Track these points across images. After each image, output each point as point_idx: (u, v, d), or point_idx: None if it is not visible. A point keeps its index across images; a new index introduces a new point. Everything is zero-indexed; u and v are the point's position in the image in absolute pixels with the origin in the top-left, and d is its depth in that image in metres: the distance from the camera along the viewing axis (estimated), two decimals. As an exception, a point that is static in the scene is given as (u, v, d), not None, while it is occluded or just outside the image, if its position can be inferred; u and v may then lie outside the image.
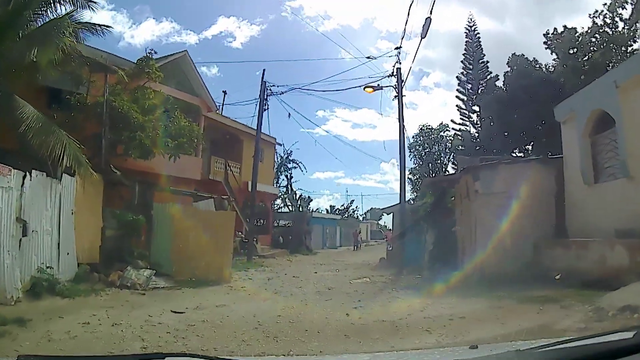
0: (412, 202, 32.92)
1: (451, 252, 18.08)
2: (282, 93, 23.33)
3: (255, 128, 24.20)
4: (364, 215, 71.98)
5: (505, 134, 28.17)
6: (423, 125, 27.90)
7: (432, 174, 23.08)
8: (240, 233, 24.16)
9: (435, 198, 18.26)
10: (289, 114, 26.29)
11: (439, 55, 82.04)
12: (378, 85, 21.78)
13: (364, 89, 21.67)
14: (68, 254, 11.59)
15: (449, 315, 8.45)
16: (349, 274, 17.74)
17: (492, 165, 15.65)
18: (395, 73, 21.73)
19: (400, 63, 20.35)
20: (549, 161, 16.18)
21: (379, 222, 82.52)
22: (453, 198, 19.53)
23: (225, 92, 35.09)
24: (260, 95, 23.02)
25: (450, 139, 24.50)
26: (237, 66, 78.20)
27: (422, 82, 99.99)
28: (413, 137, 26.03)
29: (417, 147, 25.14)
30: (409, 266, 19.29)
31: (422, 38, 15.83)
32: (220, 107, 32.36)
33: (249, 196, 26.06)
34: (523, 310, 8.82)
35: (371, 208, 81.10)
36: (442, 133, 25.20)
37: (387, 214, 28.63)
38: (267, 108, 23.20)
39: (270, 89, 23.22)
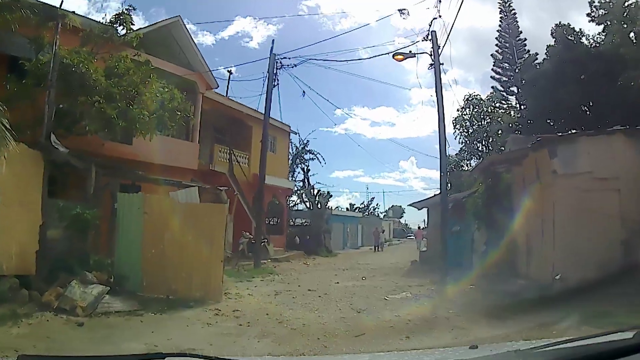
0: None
1: (510, 254, 14.16)
2: (295, 66, 19.53)
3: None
4: (385, 213, 68.14)
5: (550, 112, 24.03)
6: (470, 95, 23.38)
7: (481, 157, 18.70)
8: (247, 233, 20.52)
9: (488, 186, 14.33)
10: (304, 92, 22.42)
11: (456, 52, 78.48)
12: (410, 52, 17.91)
13: (394, 56, 17.76)
14: (-18, 263, 8.06)
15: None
16: (379, 283, 13.92)
17: (572, 138, 11.69)
18: (430, 37, 17.84)
19: (440, 15, 16.41)
20: (636, 133, 12.19)
21: (401, 219, 79.34)
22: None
23: (230, 72, 31.10)
24: (268, 69, 19.30)
25: (502, 112, 19.80)
26: (255, 66, 75.60)
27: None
28: (458, 110, 21.67)
29: (463, 123, 20.45)
30: (451, 271, 15.43)
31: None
32: (225, 89, 28.89)
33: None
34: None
35: (392, 205, 78.12)
36: (494, 104, 20.35)
37: (419, 209, 24.64)
38: (277, 84, 19.44)
39: (280, 62, 19.47)
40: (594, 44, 29.00)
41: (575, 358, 1.86)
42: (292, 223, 32.00)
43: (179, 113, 12.19)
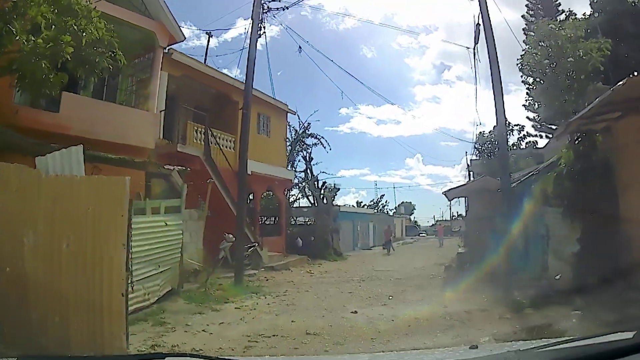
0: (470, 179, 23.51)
1: (621, 256, 9.21)
2: (287, 8, 14.66)
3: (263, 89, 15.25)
4: (395, 210, 63.82)
5: (609, 71, 19.15)
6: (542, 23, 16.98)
7: (561, 118, 13.30)
8: (231, 236, 15.63)
9: (579, 154, 9.35)
10: (300, 47, 17.65)
11: (459, 48, 76.42)
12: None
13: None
14: None
15: None
16: (418, 307, 9.06)
17: None
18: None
19: None
20: None
21: (411, 216, 75.28)
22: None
23: (210, 34, 25.94)
24: (252, 14, 14.40)
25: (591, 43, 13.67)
26: (258, 69, 72.39)
27: (443, 75, 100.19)
28: (526, 42, 15.78)
29: (534, 61, 14.43)
30: (516, 282, 10.59)
31: None
32: (204, 55, 24.19)
33: (251, 183, 17.52)
34: None
35: (403, 202, 74.21)
36: (577, 34, 14.24)
37: (449, 200, 19.94)
38: (264, 33, 14.54)
39: (267, 5, 14.59)
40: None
41: (575, 358, 1.82)
42: (292, 222, 27.10)
43: (94, 53, 7.26)
